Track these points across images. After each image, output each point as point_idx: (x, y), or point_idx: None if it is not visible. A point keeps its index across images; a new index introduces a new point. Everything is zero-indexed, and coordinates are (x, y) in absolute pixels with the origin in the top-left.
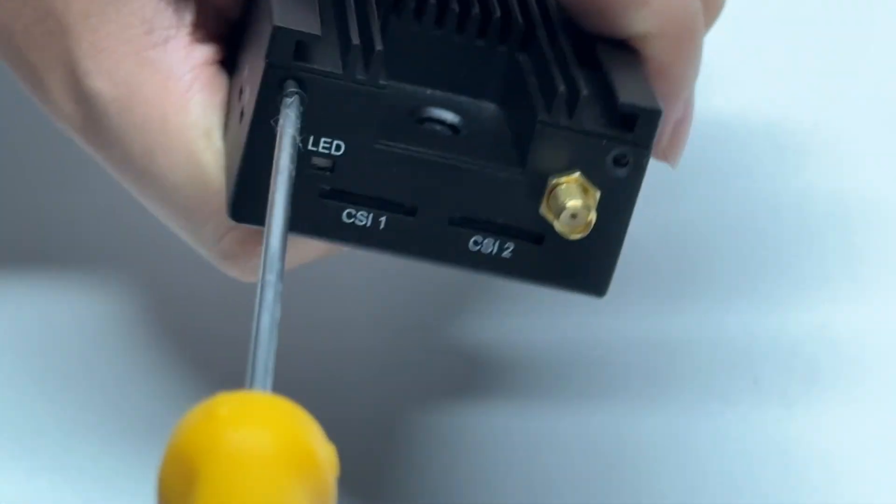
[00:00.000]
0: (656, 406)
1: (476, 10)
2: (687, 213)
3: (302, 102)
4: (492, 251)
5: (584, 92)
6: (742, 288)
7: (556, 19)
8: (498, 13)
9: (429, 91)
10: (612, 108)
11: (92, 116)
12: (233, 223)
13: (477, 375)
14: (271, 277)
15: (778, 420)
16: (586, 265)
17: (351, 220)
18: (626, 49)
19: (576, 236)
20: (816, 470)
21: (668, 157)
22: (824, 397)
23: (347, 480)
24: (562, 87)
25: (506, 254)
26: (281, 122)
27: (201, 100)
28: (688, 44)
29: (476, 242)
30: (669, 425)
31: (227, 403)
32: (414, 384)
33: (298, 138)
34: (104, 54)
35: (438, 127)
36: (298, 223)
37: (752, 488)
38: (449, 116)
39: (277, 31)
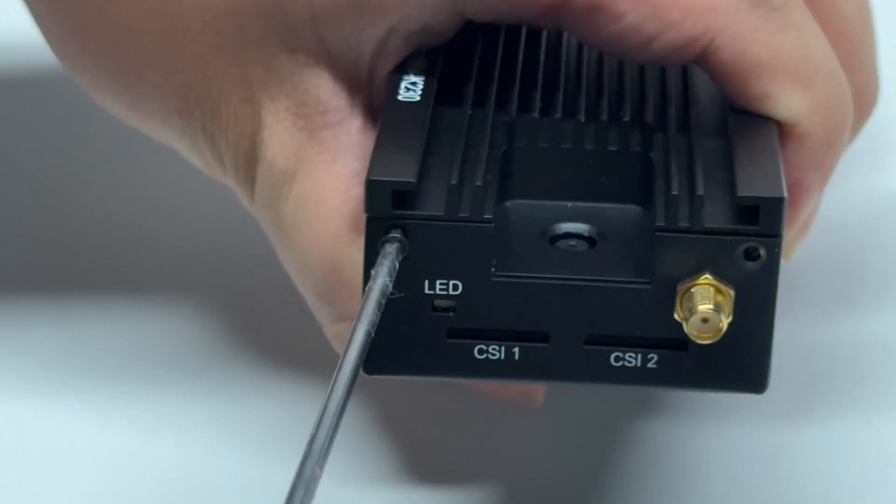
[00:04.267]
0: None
1: (605, 115)
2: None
3: (403, 249)
4: (636, 364)
5: (700, 192)
6: None
7: (694, 97)
8: (627, 115)
9: (566, 204)
10: (734, 200)
11: (259, 179)
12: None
13: None
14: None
15: None
16: (739, 364)
17: (484, 356)
18: (761, 125)
19: (706, 341)
20: None
21: (786, 250)
22: None
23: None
24: (675, 190)
25: (651, 364)
26: (373, 272)
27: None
28: (836, 138)
29: (618, 358)
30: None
31: None
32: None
33: (390, 287)
34: (280, 125)
35: (573, 242)
36: (431, 366)
37: None
38: (582, 229)
39: (371, 184)
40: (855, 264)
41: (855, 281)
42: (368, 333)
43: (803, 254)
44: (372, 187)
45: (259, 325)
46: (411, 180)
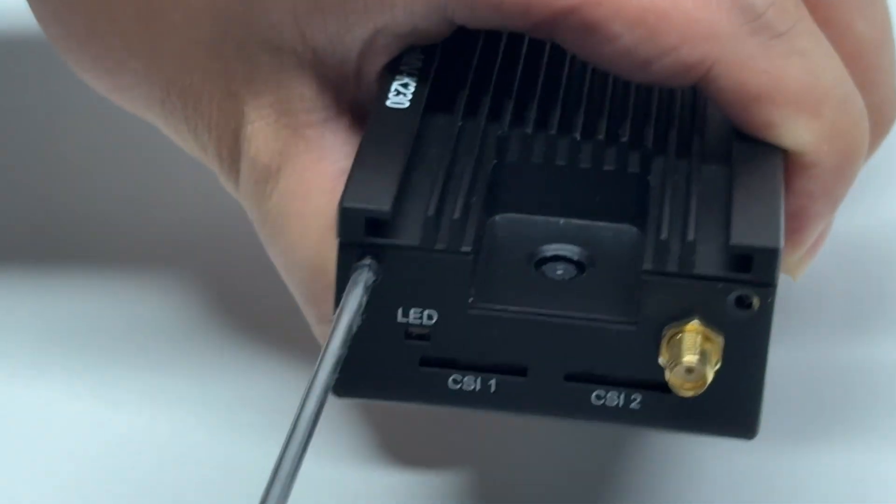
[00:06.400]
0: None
1: (602, 134)
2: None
3: (375, 276)
4: (618, 404)
5: (691, 235)
6: None
7: (701, 119)
8: (626, 135)
9: (558, 220)
10: (727, 247)
11: (242, 173)
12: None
13: None
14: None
15: None
16: (726, 411)
17: (458, 386)
18: (766, 155)
19: (689, 393)
20: None
21: (793, 271)
22: None
23: None
24: (666, 232)
25: (634, 405)
26: (343, 299)
27: None
28: (846, 166)
29: (599, 396)
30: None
31: None
32: None
33: (361, 317)
34: (264, 122)
35: (560, 269)
36: (404, 393)
37: None
38: (572, 251)
39: (344, 210)
40: (864, 286)
41: (862, 303)
42: (328, 385)
43: (810, 274)
44: (345, 214)
45: (247, 304)
46: (385, 209)
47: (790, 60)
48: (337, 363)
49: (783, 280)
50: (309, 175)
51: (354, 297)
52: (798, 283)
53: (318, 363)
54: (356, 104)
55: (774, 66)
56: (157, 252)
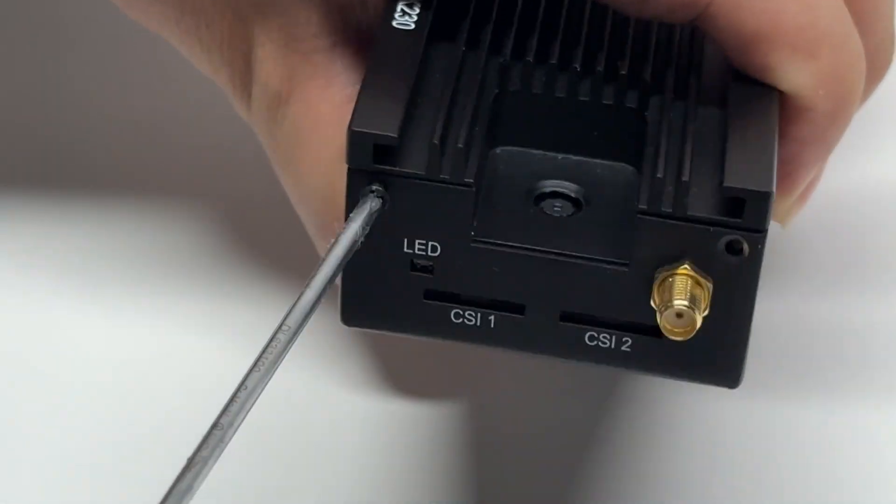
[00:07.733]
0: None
1: (602, 67)
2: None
3: (383, 203)
4: (609, 346)
5: (686, 176)
6: None
7: (699, 58)
8: (625, 69)
9: (556, 156)
10: (720, 189)
11: (254, 97)
12: None
13: None
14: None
15: None
16: (713, 358)
17: (460, 321)
18: (762, 97)
19: (679, 337)
20: None
21: (783, 218)
22: None
23: None
24: (661, 172)
25: (625, 348)
26: (345, 226)
27: None
28: (841, 111)
29: (592, 338)
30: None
31: None
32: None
33: (361, 241)
34: (273, 45)
35: (558, 204)
36: (408, 324)
37: None
38: (570, 188)
39: (353, 135)
40: (852, 238)
41: (851, 255)
42: (317, 299)
43: (799, 225)
44: (354, 138)
45: (258, 229)
46: (393, 135)
47: (788, 0)
48: (331, 279)
49: (773, 229)
50: (318, 102)
51: (360, 216)
52: (787, 234)
53: (311, 276)
54: (363, 29)
55: (772, 5)
56: (168, 178)
